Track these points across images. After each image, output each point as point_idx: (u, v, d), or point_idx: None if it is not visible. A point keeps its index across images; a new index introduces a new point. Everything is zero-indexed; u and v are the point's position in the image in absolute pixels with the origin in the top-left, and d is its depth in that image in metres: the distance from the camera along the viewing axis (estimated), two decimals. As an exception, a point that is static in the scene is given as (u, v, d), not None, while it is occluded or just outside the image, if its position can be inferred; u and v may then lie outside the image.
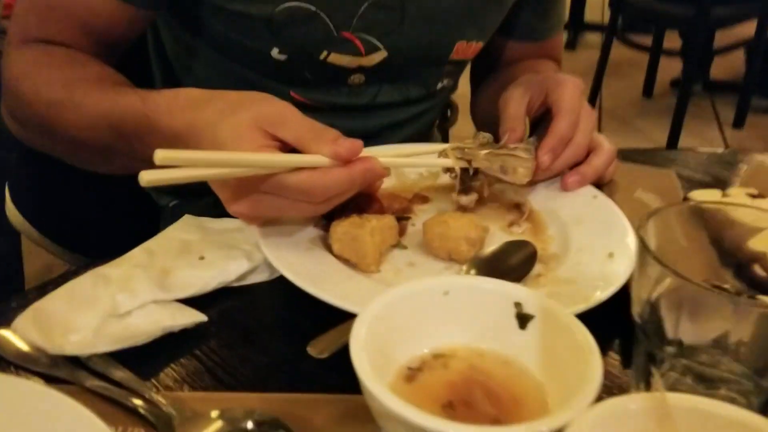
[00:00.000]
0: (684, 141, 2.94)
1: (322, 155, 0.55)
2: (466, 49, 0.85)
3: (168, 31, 0.87)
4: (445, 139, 2.14)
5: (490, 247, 0.61)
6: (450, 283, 0.48)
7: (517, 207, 0.70)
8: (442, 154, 0.69)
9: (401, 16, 0.77)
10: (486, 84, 1.00)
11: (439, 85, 0.92)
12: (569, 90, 0.72)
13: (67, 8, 0.74)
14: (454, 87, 1.01)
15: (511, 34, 0.96)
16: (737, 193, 0.72)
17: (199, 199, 0.93)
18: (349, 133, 0.58)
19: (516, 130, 0.73)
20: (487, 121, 0.99)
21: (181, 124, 0.60)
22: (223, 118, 0.56)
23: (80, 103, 0.68)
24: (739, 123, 3.12)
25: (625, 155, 0.86)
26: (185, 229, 0.65)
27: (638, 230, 0.44)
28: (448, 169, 0.69)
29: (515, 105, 0.75)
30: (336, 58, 0.78)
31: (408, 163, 0.73)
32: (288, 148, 0.56)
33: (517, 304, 0.46)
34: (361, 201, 0.64)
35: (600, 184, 0.73)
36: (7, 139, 1.35)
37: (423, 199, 0.71)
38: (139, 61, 0.91)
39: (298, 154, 0.56)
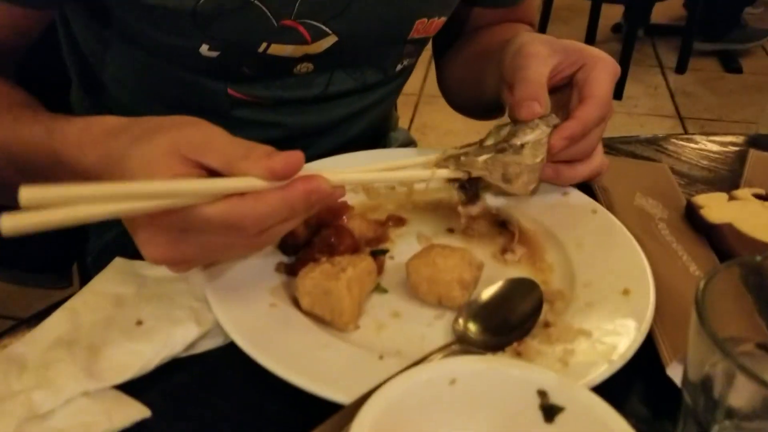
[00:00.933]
0: (628, 88, 2.91)
1: (253, 176, 0.43)
2: (428, 26, 0.74)
3: (79, 23, 0.73)
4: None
5: (485, 285, 0.52)
6: (456, 369, 0.38)
7: (504, 225, 0.61)
8: (433, 165, 0.57)
9: None
10: (455, 51, 0.88)
11: (399, 67, 0.80)
12: (608, 74, 0.61)
13: None
14: (414, 65, 0.89)
15: (479, 1, 0.84)
16: (744, 195, 0.65)
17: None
18: (301, 130, 0.46)
19: (539, 99, 0.59)
20: (464, 93, 0.88)
21: (93, 159, 0.49)
22: (136, 146, 0.45)
23: None
24: (681, 68, 3.11)
25: (612, 145, 0.78)
26: (117, 280, 0.54)
27: (696, 300, 0.36)
28: (451, 180, 0.58)
29: (537, 67, 0.60)
30: (277, 49, 0.66)
31: (379, 178, 0.58)
32: (219, 177, 0.45)
33: (542, 393, 0.38)
34: (330, 236, 0.54)
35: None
36: None
37: (399, 221, 0.61)
38: (51, 56, 0.77)
39: (222, 177, 0.44)
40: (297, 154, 0.44)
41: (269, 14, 0.63)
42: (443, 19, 0.76)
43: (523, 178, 0.57)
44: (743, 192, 0.65)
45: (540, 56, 0.61)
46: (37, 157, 0.52)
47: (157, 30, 0.63)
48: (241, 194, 0.43)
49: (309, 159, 0.47)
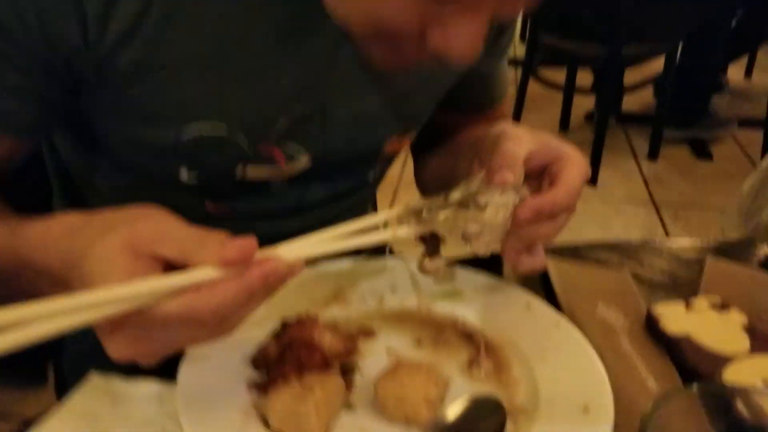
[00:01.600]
0: (602, 174, 3.00)
1: (208, 266, 0.45)
2: (398, 143, 0.78)
3: (67, 147, 0.76)
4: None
5: (451, 402, 0.53)
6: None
7: (470, 338, 0.63)
8: (393, 223, 0.57)
9: (322, 121, 0.69)
10: (433, 154, 0.91)
11: (372, 176, 0.84)
12: (580, 173, 0.63)
13: None
14: (387, 170, 0.93)
15: (457, 108, 0.86)
16: (701, 304, 0.67)
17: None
18: (273, 240, 0.48)
19: (512, 169, 0.60)
20: (438, 186, 0.90)
21: (54, 259, 0.51)
22: (92, 245, 0.46)
23: None
24: (653, 154, 3.20)
25: (577, 251, 0.81)
26: (91, 397, 0.55)
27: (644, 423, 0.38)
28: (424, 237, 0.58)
29: (515, 146, 0.63)
30: (254, 172, 0.69)
31: (336, 248, 0.55)
32: (176, 268, 0.46)
33: None
34: (300, 353, 0.56)
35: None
36: None
37: (368, 332, 0.63)
38: (35, 170, 0.80)
39: (176, 272, 0.45)
40: (250, 241, 0.45)
41: (247, 142, 0.66)
42: (414, 132, 0.80)
43: (483, 238, 0.58)
44: (700, 301, 0.68)
45: (519, 139, 0.63)
46: (3, 261, 0.54)
47: (141, 157, 0.67)
48: (199, 287, 0.44)
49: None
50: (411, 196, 0.78)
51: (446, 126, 0.89)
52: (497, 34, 0.81)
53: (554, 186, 0.62)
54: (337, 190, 0.80)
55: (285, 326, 0.59)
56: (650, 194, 2.94)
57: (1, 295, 0.58)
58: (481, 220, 0.57)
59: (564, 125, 3.51)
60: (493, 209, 0.57)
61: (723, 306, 0.68)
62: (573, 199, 0.62)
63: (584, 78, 3.45)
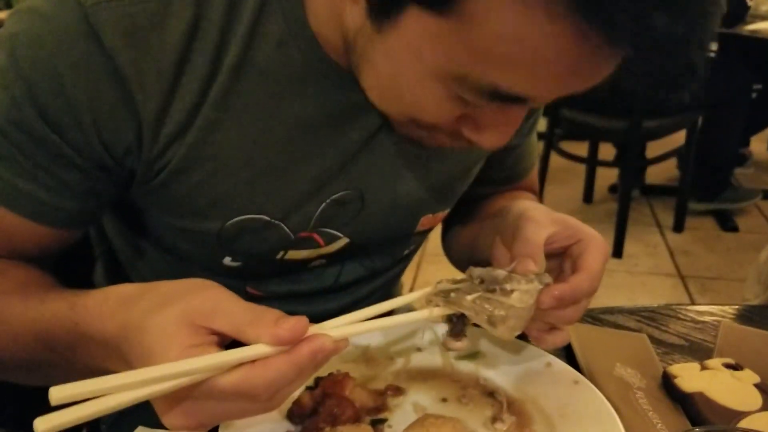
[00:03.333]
0: (627, 247, 3.01)
1: (261, 343, 0.48)
2: (432, 220, 0.82)
3: (114, 230, 0.82)
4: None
5: (475, 454, 0.57)
6: None
7: (492, 395, 0.66)
8: (422, 303, 0.61)
9: (360, 206, 0.74)
10: (460, 220, 0.95)
11: (406, 252, 0.88)
12: (601, 254, 0.66)
13: None
14: (426, 236, 0.97)
15: (486, 183, 0.90)
16: (715, 365, 0.70)
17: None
18: (310, 318, 0.52)
19: (534, 258, 0.63)
20: (469, 256, 0.90)
21: (112, 329, 0.54)
22: (150, 317, 0.50)
23: (1, 318, 0.61)
24: (679, 227, 3.22)
25: (595, 315, 0.84)
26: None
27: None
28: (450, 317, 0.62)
29: (536, 230, 0.65)
30: (294, 254, 0.74)
31: (378, 326, 0.59)
32: (230, 339, 0.50)
33: None
34: (333, 407, 0.60)
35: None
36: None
37: (397, 390, 0.67)
38: (80, 252, 0.86)
39: (232, 349, 0.49)
40: (302, 321, 0.50)
41: (287, 230, 0.71)
42: (447, 210, 0.84)
43: (508, 323, 0.60)
44: (714, 362, 0.71)
45: (540, 222, 0.66)
46: (62, 333, 0.57)
47: (186, 244, 0.73)
48: (252, 361, 0.48)
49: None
50: (434, 267, 0.82)
51: (475, 197, 0.93)
52: (527, 115, 0.86)
53: (577, 272, 0.64)
54: (374, 268, 0.84)
55: (319, 382, 0.63)
56: (676, 266, 2.95)
57: (60, 367, 0.61)
58: (507, 306, 0.59)
59: (588, 198, 3.56)
60: (518, 295, 0.60)
61: (736, 366, 0.70)
62: (595, 284, 0.65)
63: (607, 150, 3.51)
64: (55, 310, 0.59)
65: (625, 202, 2.97)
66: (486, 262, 0.72)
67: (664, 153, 3.16)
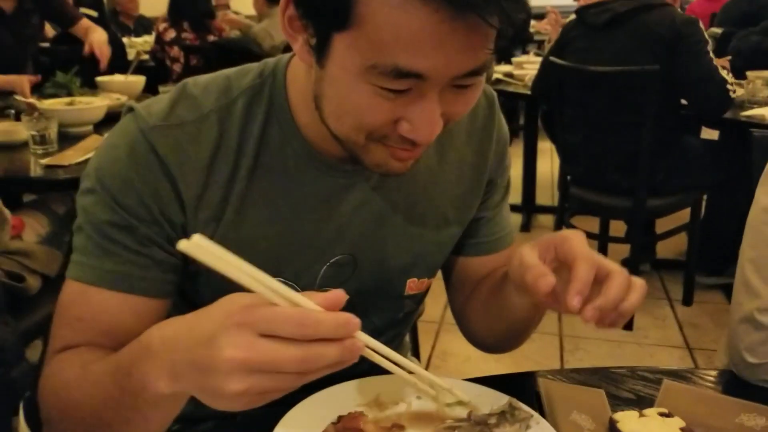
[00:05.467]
0: (638, 320, 3.16)
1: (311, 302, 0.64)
2: (419, 284, 1.03)
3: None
4: (413, 333, 2.28)
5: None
6: None
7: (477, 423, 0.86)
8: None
9: (354, 267, 0.96)
10: (469, 306, 1.10)
11: (401, 314, 1.08)
12: (578, 240, 0.80)
13: (93, 316, 0.87)
14: (418, 308, 1.18)
15: (469, 252, 1.09)
16: (651, 413, 0.89)
17: (200, 424, 1.06)
18: (319, 379, 0.65)
19: (545, 274, 0.77)
20: (491, 325, 1.06)
21: (169, 329, 0.69)
22: (198, 316, 0.66)
23: (90, 369, 0.80)
24: (687, 301, 3.36)
25: (566, 374, 1.04)
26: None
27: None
28: None
29: (527, 254, 0.81)
30: None
31: (389, 368, 0.78)
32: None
33: None
34: (350, 435, 0.80)
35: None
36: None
37: (400, 427, 0.87)
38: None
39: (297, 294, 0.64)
40: (341, 292, 0.66)
41: (299, 288, 0.92)
42: (430, 280, 1.06)
43: None
44: (650, 411, 0.90)
45: (525, 249, 0.83)
46: (129, 356, 0.73)
47: None
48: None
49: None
50: (452, 337, 1.03)
51: (474, 272, 1.10)
52: (486, 192, 1.06)
53: (574, 264, 0.77)
54: (374, 328, 1.04)
55: (340, 419, 0.84)
56: (684, 338, 3.08)
57: (125, 407, 0.74)
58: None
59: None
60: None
61: (668, 414, 0.89)
62: (593, 261, 0.78)
63: (620, 225, 3.69)
64: (126, 349, 0.75)
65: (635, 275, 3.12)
66: (520, 323, 0.96)
67: (672, 229, 3.34)
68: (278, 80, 0.91)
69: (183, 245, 0.61)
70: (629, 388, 1.01)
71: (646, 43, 2.85)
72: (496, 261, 1.09)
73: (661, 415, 0.89)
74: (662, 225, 3.57)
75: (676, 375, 1.04)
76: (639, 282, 0.81)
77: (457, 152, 1.02)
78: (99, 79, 3.06)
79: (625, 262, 3.73)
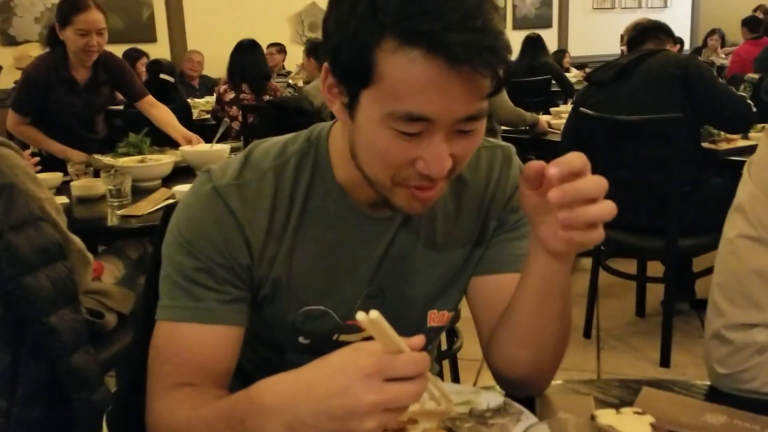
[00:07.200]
0: (675, 358, 3.24)
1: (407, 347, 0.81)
2: (440, 317, 1.21)
3: None
4: (453, 367, 2.47)
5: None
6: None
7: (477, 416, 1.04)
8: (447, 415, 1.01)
9: (382, 300, 1.15)
10: (495, 336, 1.15)
11: (429, 347, 1.24)
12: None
13: (188, 348, 1.02)
14: (439, 334, 1.35)
15: (488, 269, 1.18)
16: (626, 411, 1.06)
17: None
18: None
19: (561, 163, 0.87)
20: (519, 356, 1.11)
21: (279, 386, 0.86)
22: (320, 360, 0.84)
23: (202, 411, 0.94)
24: (725, 339, 3.41)
25: (563, 385, 1.21)
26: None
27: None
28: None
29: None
30: (346, 338, 1.15)
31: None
32: None
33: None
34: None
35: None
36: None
37: (412, 421, 1.06)
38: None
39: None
40: (422, 338, 0.83)
41: (337, 318, 1.13)
42: (452, 313, 1.23)
43: None
44: (626, 409, 1.06)
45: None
46: (240, 410, 0.87)
47: (271, 334, 1.16)
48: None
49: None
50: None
51: (501, 293, 1.14)
52: (482, 226, 1.18)
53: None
54: None
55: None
56: (722, 375, 3.14)
57: None
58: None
59: (640, 312, 3.81)
60: (496, 428, 1.00)
61: (641, 413, 1.06)
62: (582, 158, 0.89)
63: (658, 266, 3.77)
64: (238, 395, 0.90)
65: (669, 316, 3.21)
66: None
67: (709, 267, 3.42)
68: (322, 143, 1.10)
69: (361, 317, 0.79)
70: (614, 395, 1.17)
71: (658, 80, 3.15)
72: (511, 281, 1.12)
73: (635, 413, 1.06)
74: (700, 263, 3.65)
75: (659, 385, 1.20)
76: (611, 203, 0.89)
77: (473, 200, 1.19)
78: (183, 149, 3.28)
79: (663, 302, 3.81)
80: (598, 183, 0.88)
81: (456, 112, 0.90)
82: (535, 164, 0.92)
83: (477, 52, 0.85)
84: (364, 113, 0.94)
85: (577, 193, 0.87)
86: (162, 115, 3.73)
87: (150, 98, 3.79)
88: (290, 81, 7.29)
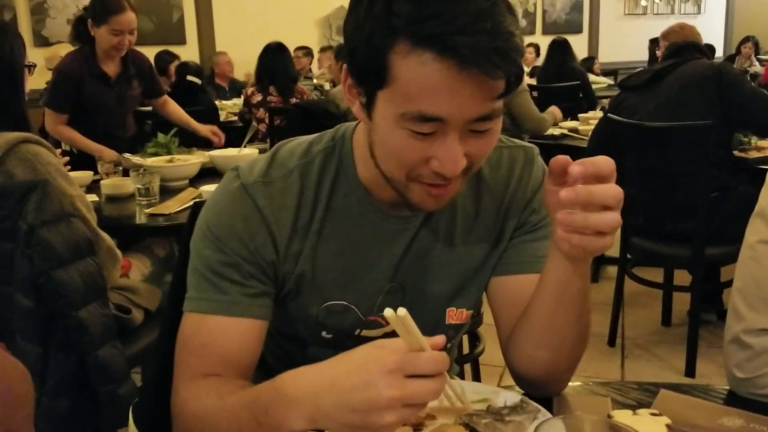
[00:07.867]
0: (700, 368, 3.20)
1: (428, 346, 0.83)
2: (458, 315, 1.22)
3: None
4: (475, 371, 2.48)
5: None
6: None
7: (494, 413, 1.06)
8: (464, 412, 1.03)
9: (402, 296, 1.17)
10: (513, 336, 1.15)
11: (449, 345, 1.24)
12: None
13: (214, 340, 1.04)
14: (461, 333, 1.37)
15: (520, 269, 1.18)
16: (643, 413, 1.06)
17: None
18: None
19: (586, 163, 0.88)
20: (537, 353, 1.11)
21: (303, 378, 0.89)
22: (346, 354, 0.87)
23: (228, 400, 0.96)
24: (752, 349, 3.36)
25: (578, 387, 1.22)
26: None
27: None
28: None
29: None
30: (367, 333, 1.18)
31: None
32: None
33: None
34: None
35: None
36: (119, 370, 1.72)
37: (431, 417, 1.07)
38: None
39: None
40: (442, 338, 0.85)
41: (360, 313, 1.15)
42: (470, 312, 1.24)
43: None
44: (642, 411, 1.06)
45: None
46: (265, 399, 0.91)
47: (295, 328, 1.18)
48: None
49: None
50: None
51: (520, 293, 1.15)
52: (502, 226, 1.18)
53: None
54: None
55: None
56: (749, 386, 3.09)
57: None
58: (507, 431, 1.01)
59: (666, 321, 3.77)
60: (513, 425, 1.01)
61: (658, 415, 1.06)
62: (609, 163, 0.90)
63: (685, 275, 3.73)
64: (262, 385, 0.93)
65: (695, 325, 3.18)
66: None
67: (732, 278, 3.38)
68: (346, 143, 1.13)
69: (388, 313, 0.82)
70: (632, 398, 1.17)
71: (692, 81, 3.16)
72: (530, 282, 1.12)
73: (652, 415, 1.06)
74: (728, 274, 3.60)
75: (677, 388, 1.20)
76: (616, 216, 0.89)
77: (493, 200, 1.20)
78: (212, 153, 3.31)
79: (689, 312, 3.77)
80: (613, 192, 0.88)
81: (468, 113, 0.91)
82: (562, 158, 0.93)
83: (485, 54, 0.86)
84: (380, 113, 0.96)
85: (589, 198, 0.87)
86: (175, 110, 3.81)
87: (164, 97, 3.90)
88: (315, 81, 7.35)
